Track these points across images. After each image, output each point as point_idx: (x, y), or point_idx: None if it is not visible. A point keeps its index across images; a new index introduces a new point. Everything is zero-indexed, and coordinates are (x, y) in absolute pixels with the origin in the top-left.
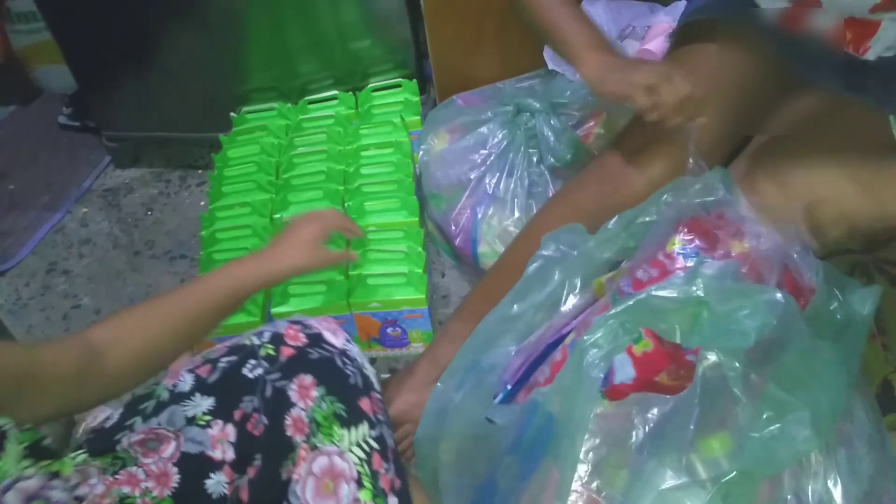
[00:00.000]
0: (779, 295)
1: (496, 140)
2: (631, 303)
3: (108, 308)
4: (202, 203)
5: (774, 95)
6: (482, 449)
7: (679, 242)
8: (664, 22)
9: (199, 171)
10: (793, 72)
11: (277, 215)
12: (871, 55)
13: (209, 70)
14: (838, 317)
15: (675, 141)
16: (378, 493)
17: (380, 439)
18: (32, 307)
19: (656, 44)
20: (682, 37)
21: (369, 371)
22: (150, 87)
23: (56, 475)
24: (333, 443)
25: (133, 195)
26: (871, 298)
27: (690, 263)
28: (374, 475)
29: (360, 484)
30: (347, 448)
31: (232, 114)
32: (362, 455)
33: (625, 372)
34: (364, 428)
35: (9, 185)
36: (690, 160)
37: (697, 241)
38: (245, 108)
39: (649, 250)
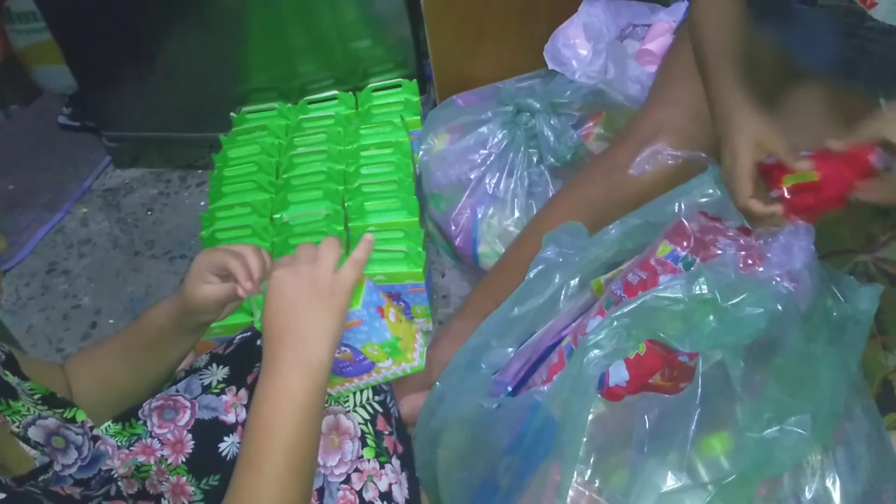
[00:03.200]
0: (784, 285)
1: (496, 140)
2: (635, 305)
3: (108, 308)
4: (202, 203)
5: (774, 87)
6: (481, 446)
7: (667, 248)
8: (665, 21)
9: (199, 171)
10: (793, 58)
11: (277, 215)
12: (877, 12)
13: (209, 70)
14: (834, 314)
15: (682, 132)
16: (381, 453)
17: (383, 404)
18: (32, 307)
19: (657, 44)
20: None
21: None
22: (150, 87)
23: (71, 420)
24: (339, 402)
25: (133, 195)
26: (871, 297)
27: (678, 266)
28: (378, 435)
29: (363, 442)
30: (352, 408)
31: (232, 114)
32: (366, 416)
33: (619, 374)
34: (368, 392)
35: (9, 185)
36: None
37: (683, 246)
38: (245, 108)
39: (642, 256)
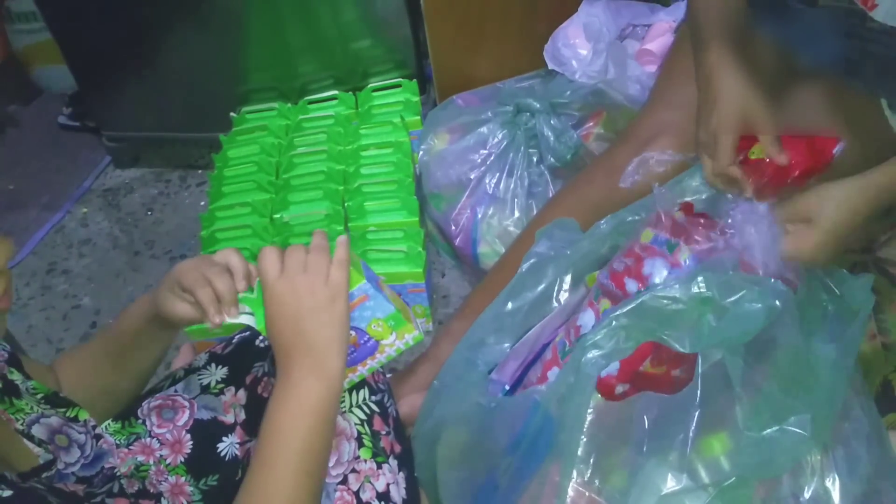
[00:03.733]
0: (780, 284)
1: (496, 140)
2: (634, 305)
3: (108, 308)
4: (202, 203)
5: (776, 89)
6: (481, 446)
7: (650, 234)
8: (665, 21)
9: (199, 171)
10: (794, 57)
11: (277, 215)
12: (878, 13)
13: (209, 70)
14: (829, 309)
15: (683, 134)
16: (378, 453)
17: (380, 404)
18: (32, 307)
19: (657, 44)
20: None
21: None
22: (150, 87)
23: (74, 419)
24: None
25: (133, 195)
26: (865, 289)
27: (662, 250)
28: (375, 435)
29: (360, 443)
30: (348, 409)
31: (232, 114)
32: (362, 416)
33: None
34: (364, 392)
35: (9, 185)
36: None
37: (667, 232)
38: (245, 108)
39: (627, 245)
